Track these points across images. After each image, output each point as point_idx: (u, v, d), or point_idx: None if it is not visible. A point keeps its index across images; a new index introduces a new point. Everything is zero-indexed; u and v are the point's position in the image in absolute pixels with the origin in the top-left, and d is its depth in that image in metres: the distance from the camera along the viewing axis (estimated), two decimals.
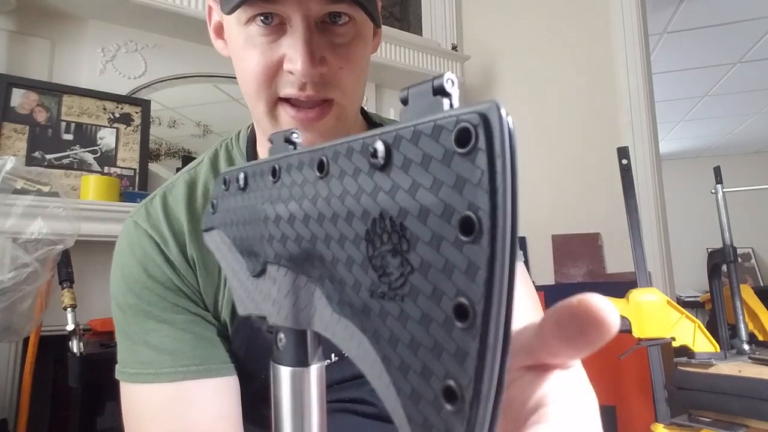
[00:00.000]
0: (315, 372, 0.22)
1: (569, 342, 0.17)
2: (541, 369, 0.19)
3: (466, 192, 0.14)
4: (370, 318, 0.17)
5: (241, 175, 0.25)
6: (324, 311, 0.19)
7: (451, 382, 0.14)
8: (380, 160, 0.16)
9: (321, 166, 0.19)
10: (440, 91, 0.16)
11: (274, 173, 0.22)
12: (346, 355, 0.20)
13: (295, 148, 0.24)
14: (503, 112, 0.14)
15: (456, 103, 0.16)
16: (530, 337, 0.19)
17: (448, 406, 0.14)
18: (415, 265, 0.15)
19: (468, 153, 0.14)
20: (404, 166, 0.16)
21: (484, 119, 0.14)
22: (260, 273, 0.24)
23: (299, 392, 0.21)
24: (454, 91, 0.16)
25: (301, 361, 0.21)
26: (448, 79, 0.16)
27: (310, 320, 0.20)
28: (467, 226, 0.14)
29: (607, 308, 0.16)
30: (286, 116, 0.50)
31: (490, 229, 0.13)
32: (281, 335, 0.22)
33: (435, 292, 0.14)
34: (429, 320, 0.15)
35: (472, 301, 0.13)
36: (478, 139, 0.14)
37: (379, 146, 0.16)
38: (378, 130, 0.17)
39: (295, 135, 0.24)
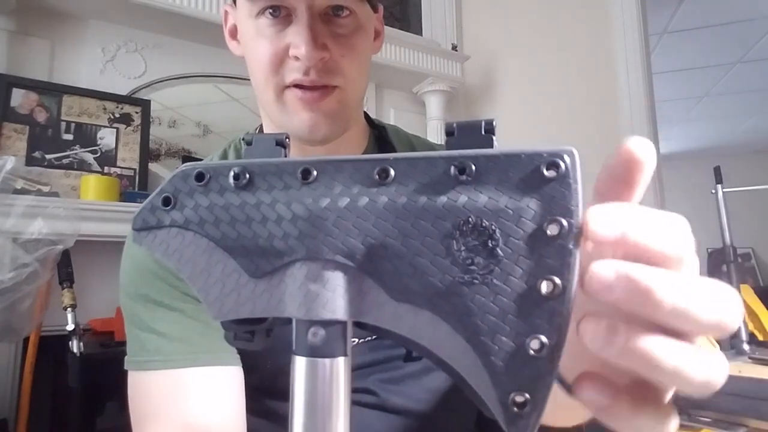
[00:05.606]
0: (349, 361, 0.23)
1: (623, 181, 0.22)
2: None
3: (557, 204, 0.19)
4: (449, 300, 0.21)
5: (239, 172, 0.24)
6: (378, 299, 0.22)
7: (540, 337, 0.19)
8: (467, 177, 0.20)
9: (384, 173, 0.22)
10: (489, 131, 0.22)
11: (306, 174, 0.23)
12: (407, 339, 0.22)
13: (286, 152, 0.25)
14: (576, 155, 0.20)
15: (495, 141, 0.22)
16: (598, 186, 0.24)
17: (536, 355, 0.19)
18: (503, 255, 0.20)
19: (558, 178, 0.19)
20: (491, 182, 0.20)
21: (570, 156, 0.20)
22: (271, 272, 0.23)
23: (347, 379, 0.23)
24: (496, 131, 0.22)
25: (342, 351, 0.22)
26: (494, 121, 0.22)
27: (359, 310, 0.22)
28: (556, 229, 0.19)
29: (640, 149, 0.21)
30: (293, 98, 0.53)
31: (575, 232, 0.19)
32: (314, 329, 0.22)
33: (524, 274, 0.19)
34: (519, 296, 0.20)
35: (560, 279, 0.19)
36: (568, 169, 0.20)
37: (469, 165, 0.21)
38: (456, 153, 0.21)
39: (288, 140, 0.25)
